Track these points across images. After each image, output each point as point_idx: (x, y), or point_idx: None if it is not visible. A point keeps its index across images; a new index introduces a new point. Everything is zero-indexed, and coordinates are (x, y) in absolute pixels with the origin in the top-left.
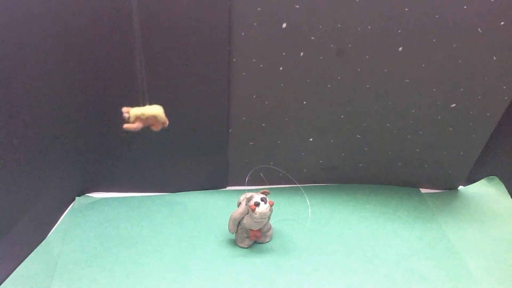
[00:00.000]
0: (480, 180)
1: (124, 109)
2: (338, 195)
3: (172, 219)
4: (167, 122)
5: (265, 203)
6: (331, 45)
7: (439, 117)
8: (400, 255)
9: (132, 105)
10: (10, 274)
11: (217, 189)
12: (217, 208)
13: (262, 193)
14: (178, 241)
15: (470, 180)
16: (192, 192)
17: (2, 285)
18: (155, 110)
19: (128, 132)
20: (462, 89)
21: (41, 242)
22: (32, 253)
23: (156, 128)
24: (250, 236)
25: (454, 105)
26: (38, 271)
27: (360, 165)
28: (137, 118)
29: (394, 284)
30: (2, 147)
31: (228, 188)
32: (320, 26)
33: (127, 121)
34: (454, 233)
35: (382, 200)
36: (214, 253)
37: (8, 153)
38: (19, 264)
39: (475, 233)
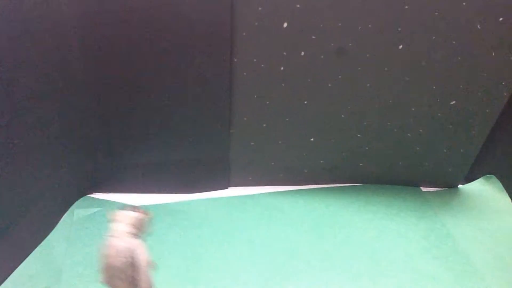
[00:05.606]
0: (478, 178)
1: None
2: (341, 197)
3: (175, 228)
4: None
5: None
6: (332, 44)
7: (439, 114)
8: (407, 255)
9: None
10: (10, 274)
11: (218, 189)
12: (219, 215)
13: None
14: (183, 250)
15: (468, 179)
16: (193, 200)
17: (3, 285)
18: None
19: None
20: (461, 86)
21: (41, 242)
22: (33, 253)
23: None
24: None
25: (453, 102)
26: (38, 271)
27: (361, 164)
28: None
29: (403, 286)
30: (3, 148)
31: (230, 188)
32: (321, 25)
33: None
34: (458, 231)
35: (385, 201)
36: (221, 262)
37: (9, 153)
38: (20, 264)
39: (479, 231)
